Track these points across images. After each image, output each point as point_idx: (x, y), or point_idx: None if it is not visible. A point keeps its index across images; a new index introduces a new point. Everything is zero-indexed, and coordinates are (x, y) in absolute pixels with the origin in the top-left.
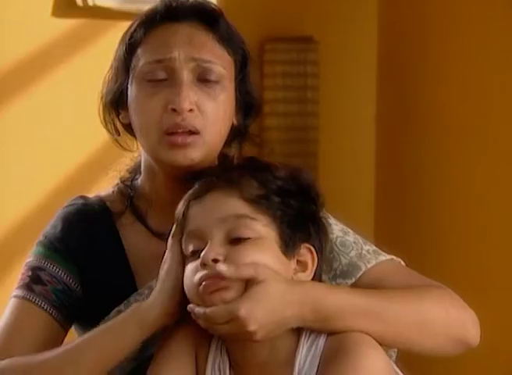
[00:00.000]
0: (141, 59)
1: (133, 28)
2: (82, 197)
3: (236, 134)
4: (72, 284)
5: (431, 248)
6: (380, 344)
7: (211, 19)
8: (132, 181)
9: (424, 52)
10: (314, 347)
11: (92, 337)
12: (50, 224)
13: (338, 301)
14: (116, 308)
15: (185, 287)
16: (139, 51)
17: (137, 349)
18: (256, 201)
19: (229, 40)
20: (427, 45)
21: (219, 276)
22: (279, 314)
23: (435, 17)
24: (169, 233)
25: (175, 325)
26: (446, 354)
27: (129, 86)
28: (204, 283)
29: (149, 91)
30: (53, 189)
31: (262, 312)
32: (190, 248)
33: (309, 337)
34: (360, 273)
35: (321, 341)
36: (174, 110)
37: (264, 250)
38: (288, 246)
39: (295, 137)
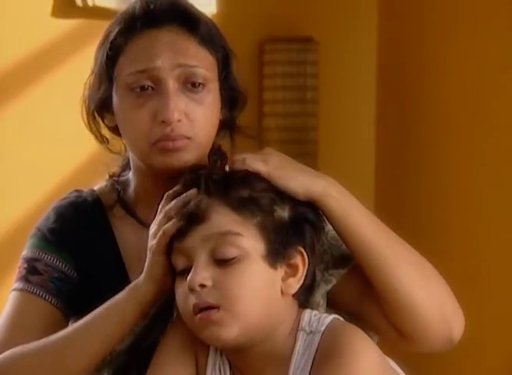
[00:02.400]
0: (124, 69)
1: (112, 35)
2: (76, 190)
3: (224, 127)
4: (69, 271)
5: (431, 248)
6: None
7: (191, 22)
8: (120, 176)
9: (423, 53)
10: (309, 347)
11: (93, 319)
12: (43, 217)
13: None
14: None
15: (180, 310)
16: (121, 59)
17: (133, 341)
18: (242, 207)
19: (210, 40)
20: (427, 46)
21: (211, 308)
22: None
23: (434, 18)
24: None
25: (174, 323)
26: (429, 328)
27: (113, 94)
28: (198, 316)
29: (135, 101)
30: (53, 189)
31: None
32: (179, 265)
33: (306, 339)
34: (353, 263)
35: (316, 340)
36: (163, 121)
37: (249, 272)
38: (278, 253)
39: (295, 138)
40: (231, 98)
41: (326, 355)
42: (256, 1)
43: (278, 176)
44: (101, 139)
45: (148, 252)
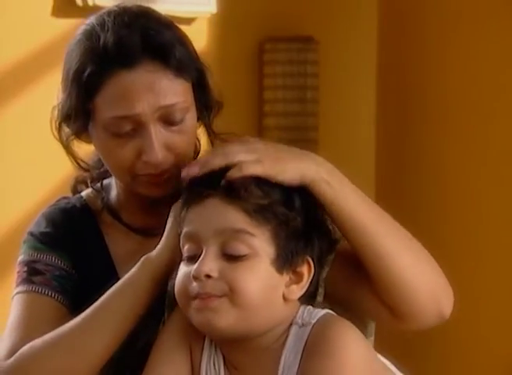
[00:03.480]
0: (103, 111)
1: (86, 73)
2: (64, 197)
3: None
4: (68, 269)
5: (431, 242)
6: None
7: (164, 54)
8: (103, 181)
9: (424, 52)
10: (299, 340)
11: (107, 301)
12: (33, 224)
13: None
14: None
15: (175, 289)
16: (98, 99)
17: (125, 342)
18: (257, 212)
19: (185, 67)
20: (427, 44)
21: (211, 297)
22: None
23: (435, 17)
24: (148, 228)
25: (166, 322)
26: (419, 302)
27: (90, 127)
28: (197, 301)
29: (116, 141)
30: (53, 188)
31: None
32: (186, 250)
33: (297, 333)
34: (337, 247)
35: (307, 332)
36: (147, 161)
37: (256, 270)
38: (286, 260)
39: (295, 137)
40: (207, 107)
41: (315, 347)
42: (256, 0)
43: (274, 174)
44: (78, 164)
45: (168, 223)
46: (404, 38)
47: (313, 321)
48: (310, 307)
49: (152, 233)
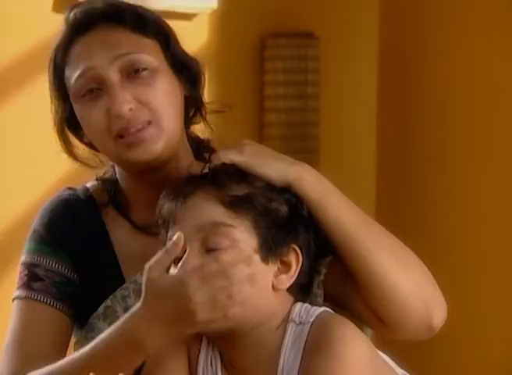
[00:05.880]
0: (70, 78)
1: (53, 54)
2: (69, 188)
3: (194, 106)
4: (69, 274)
5: (431, 245)
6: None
7: (117, 14)
8: (109, 175)
9: (425, 47)
10: (298, 338)
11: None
12: (37, 216)
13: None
14: (103, 304)
15: None
16: (66, 72)
17: None
18: (236, 204)
19: (143, 25)
20: (428, 40)
21: None
22: None
23: (436, 12)
24: (153, 226)
25: None
26: (408, 312)
27: (74, 109)
28: None
29: (88, 104)
30: (53, 186)
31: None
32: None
33: (295, 330)
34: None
35: (306, 331)
36: (117, 116)
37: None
38: (270, 250)
39: (296, 133)
40: (188, 75)
41: (316, 346)
42: None
43: (254, 165)
44: (74, 158)
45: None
46: (405, 34)
47: (311, 319)
48: (307, 305)
49: (157, 232)
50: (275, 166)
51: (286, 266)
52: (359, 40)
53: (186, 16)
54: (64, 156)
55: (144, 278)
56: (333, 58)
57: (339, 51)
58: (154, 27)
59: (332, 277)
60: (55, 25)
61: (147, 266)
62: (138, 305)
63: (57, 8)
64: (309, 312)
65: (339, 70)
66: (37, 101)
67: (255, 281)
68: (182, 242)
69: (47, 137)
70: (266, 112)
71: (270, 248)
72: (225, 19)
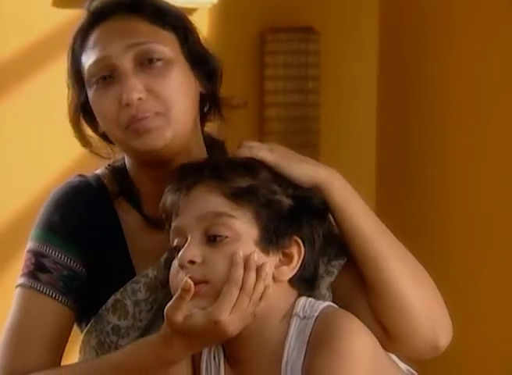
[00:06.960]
0: (85, 66)
1: (71, 41)
2: (80, 175)
3: (210, 102)
4: (77, 268)
5: (430, 244)
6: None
7: (135, 4)
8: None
9: (425, 43)
10: (302, 333)
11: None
12: (47, 203)
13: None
14: (113, 297)
15: (170, 282)
16: (83, 58)
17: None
18: (239, 196)
19: (161, 17)
20: (428, 36)
21: (201, 282)
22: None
23: (436, 8)
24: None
25: None
26: (415, 329)
27: (88, 96)
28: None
29: (100, 91)
30: (54, 181)
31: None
32: (174, 243)
33: (299, 324)
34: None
35: (310, 325)
36: (127, 104)
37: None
38: (271, 242)
39: (296, 128)
40: (205, 70)
41: (320, 340)
42: None
43: (283, 165)
44: (86, 144)
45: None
46: (406, 29)
47: (315, 314)
48: (311, 299)
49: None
50: (305, 168)
51: (287, 258)
52: (359, 34)
53: (187, 11)
54: (65, 150)
55: (167, 322)
56: (334, 52)
57: (339, 45)
58: (173, 20)
59: (342, 281)
60: (55, 20)
61: (166, 312)
62: (164, 337)
63: (57, 2)
64: (313, 306)
65: (340, 65)
66: (38, 96)
67: (267, 276)
68: (192, 288)
69: (47, 132)
70: (266, 107)
71: (271, 240)
72: (226, 14)
